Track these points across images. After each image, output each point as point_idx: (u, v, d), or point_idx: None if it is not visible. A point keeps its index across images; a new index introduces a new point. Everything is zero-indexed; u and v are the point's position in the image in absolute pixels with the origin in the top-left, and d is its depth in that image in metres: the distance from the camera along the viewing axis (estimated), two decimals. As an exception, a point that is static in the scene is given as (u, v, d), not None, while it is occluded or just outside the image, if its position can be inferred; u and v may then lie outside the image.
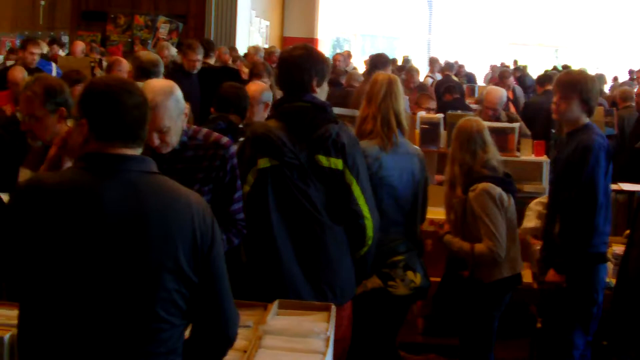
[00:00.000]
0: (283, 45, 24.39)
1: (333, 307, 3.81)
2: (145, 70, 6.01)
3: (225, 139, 4.25)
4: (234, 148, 4.28)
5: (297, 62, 4.53)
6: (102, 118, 2.75)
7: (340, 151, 4.45)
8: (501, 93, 9.17)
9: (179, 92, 4.07)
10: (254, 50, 15.14)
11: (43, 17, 22.98)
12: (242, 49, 18.38)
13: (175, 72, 9.18)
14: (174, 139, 4.08)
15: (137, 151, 2.81)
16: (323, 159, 4.45)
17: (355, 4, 31.35)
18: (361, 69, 16.05)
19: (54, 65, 11.25)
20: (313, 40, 28.70)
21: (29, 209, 2.68)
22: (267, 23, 26.25)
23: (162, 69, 6.16)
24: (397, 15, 31.22)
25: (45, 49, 11.13)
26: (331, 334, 3.56)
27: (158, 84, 4.08)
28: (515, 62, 22.34)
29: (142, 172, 2.77)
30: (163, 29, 22.96)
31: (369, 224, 4.55)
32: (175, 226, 2.72)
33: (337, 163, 4.45)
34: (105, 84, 2.83)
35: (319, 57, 4.60)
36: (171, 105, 3.99)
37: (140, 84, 3.21)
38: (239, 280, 4.64)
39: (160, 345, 2.75)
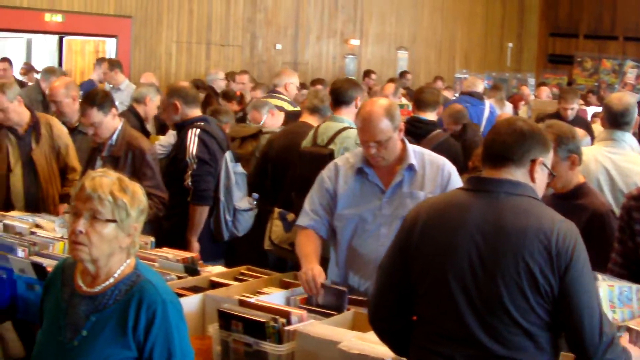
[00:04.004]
0: None
1: None
2: (614, 120, 5.65)
3: None
4: None
5: None
6: (483, 146, 3.27)
7: None
8: None
9: None
10: None
11: (510, 59, 23.38)
12: None
13: None
14: None
15: (510, 174, 3.13)
16: None
17: None
18: None
19: (487, 103, 11.33)
20: None
21: (419, 216, 3.22)
22: None
23: (633, 118, 5.73)
24: None
25: (481, 87, 11.44)
26: None
27: None
28: None
29: (510, 194, 3.09)
30: (630, 73, 22.33)
31: None
32: (525, 240, 2.98)
33: None
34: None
35: None
36: None
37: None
38: None
39: (519, 352, 2.98)
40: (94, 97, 5.87)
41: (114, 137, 5.90)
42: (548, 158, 3.22)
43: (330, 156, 5.86)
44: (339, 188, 4.60)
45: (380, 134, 4.42)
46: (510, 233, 2.99)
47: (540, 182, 3.21)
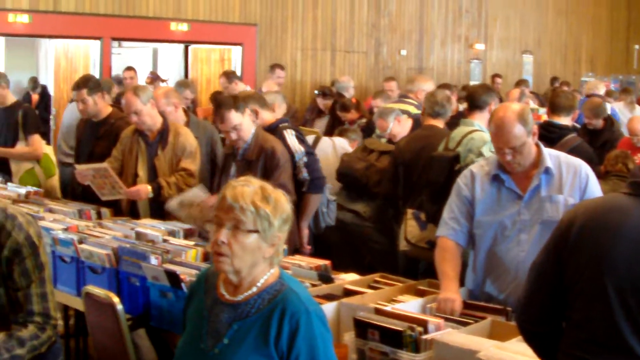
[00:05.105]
0: None
1: None
2: None
3: None
4: None
5: None
6: None
7: None
8: None
9: None
10: None
11: (637, 61, 22.89)
12: None
13: None
14: None
15: None
16: None
17: None
18: None
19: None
20: None
21: (576, 218, 3.09)
22: None
23: None
24: None
25: (603, 90, 11.35)
26: None
27: None
28: None
29: None
30: None
31: None
32: None
33: None
34: None
35: None
36: None
37: None
38: None
39: None
40: (229, 101, 6.00)
41: (248, 140, 6.02)
42: None
43: (456, 159, 5.94)
44: (476, 195, 4.55)
45: (515, 140, 4.36)
46: None
47: None
